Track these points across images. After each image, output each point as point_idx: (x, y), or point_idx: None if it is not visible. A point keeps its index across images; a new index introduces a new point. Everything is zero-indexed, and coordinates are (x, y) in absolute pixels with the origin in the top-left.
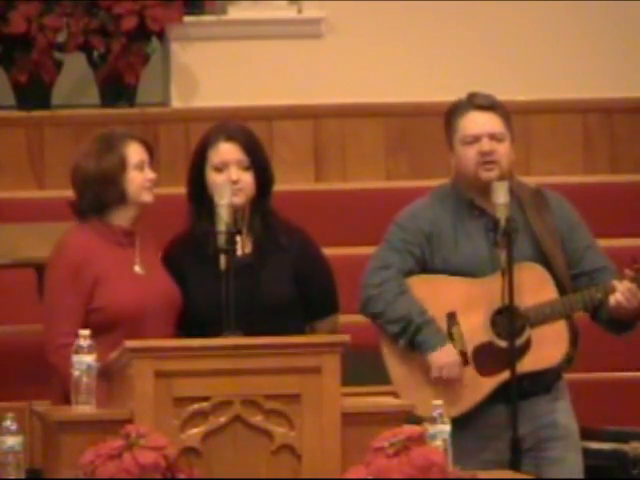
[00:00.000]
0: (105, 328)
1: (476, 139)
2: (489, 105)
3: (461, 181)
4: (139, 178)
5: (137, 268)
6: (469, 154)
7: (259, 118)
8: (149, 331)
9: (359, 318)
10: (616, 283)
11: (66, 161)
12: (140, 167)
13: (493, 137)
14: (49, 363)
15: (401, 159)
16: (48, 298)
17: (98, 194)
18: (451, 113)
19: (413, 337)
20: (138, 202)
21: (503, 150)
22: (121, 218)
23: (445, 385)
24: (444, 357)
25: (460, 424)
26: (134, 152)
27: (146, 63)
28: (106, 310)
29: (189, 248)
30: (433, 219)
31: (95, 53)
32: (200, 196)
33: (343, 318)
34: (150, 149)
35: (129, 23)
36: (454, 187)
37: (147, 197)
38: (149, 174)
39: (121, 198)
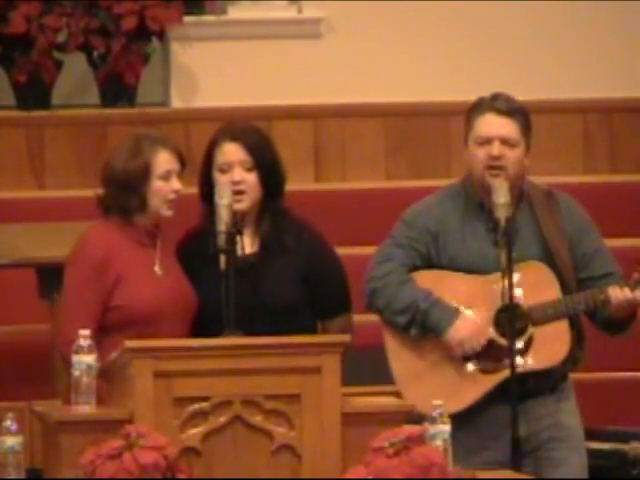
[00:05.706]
0: (121, 327)
1: (488, 141)
2: (508, 110)
3: (471, 180)
4: (164, 189)
5: (157, 269)
6: (479, 155)
7: (259, 118)
8: (164, 332)
9: (360, 318)
10: (610, 294)
11: (66, 161)
12: (166, 177)
13: (505, 142)
14: (60, 355)
15: (401, 159)
16: (67, 292)
17: (119, 197)
18: (471, 110)
19: (424, 323)
20: (157, 214)
21: (513, 156)
22: (143, 219)
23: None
24: (460, 332)
25: (463, 422)
26: (162, 161)
27: (146, 63)
28: (124, 309)
29: (199, 247)
30: (440, 217)
31: (95, 53)
32: (209, 196)
33: None
34: (182, 159)
35: (129, 23)
36: (464, 186)
37: (166, 212)
38: (174, 185)
39: (141, 206)
